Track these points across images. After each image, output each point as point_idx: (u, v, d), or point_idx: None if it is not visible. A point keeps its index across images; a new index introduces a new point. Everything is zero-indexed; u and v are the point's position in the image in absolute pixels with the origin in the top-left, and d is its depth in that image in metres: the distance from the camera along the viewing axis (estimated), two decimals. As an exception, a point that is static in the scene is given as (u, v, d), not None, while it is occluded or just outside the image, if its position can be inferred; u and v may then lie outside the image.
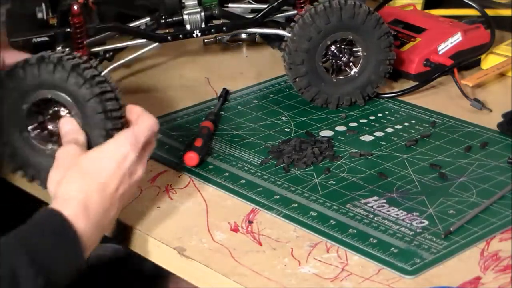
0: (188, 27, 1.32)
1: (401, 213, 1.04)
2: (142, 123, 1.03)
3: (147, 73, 1.48)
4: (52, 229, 0.93)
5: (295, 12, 1.33)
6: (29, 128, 1.07)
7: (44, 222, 0.94)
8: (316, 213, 1.05)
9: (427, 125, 1.25)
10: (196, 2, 1.32)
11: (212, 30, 1.33)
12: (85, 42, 1.26)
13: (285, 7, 1.34)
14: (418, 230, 1.00)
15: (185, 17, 1.31)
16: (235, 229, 1.03)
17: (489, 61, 1.40)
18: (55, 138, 1.07)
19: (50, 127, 1.08)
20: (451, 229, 1.00)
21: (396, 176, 1.12)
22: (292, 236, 1.02)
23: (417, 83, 1.36)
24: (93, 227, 0.96)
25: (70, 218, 0.94)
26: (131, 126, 1.03)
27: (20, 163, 1.08)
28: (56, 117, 1.06)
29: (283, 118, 1.29)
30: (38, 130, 1.08)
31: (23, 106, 1.05)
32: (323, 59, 1.29)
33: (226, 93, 1.36)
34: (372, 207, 1.05)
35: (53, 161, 1.01)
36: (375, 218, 1.03)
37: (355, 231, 1.01)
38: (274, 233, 1.02)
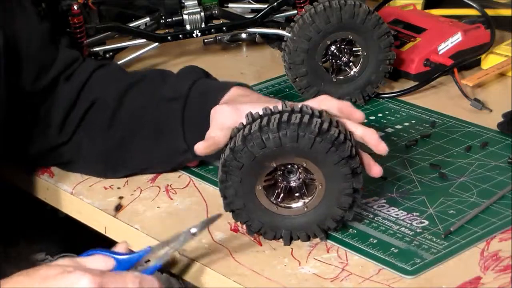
0: (188, 27, 1.32)
1: (401, 213, 1.04)
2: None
3: (147, 73, 1.48)
4: None
5: (295, 12, 1.33)
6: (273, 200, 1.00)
7: None
8: (316, 213, 1.05)
9: (427, 125, 1.25)
10: (196, 2, 1.32)
11: (212, 30, 1.33)
12: (85, 42, 1.26)
13: (285, 7, 1.34)
14: (418, 230, 1.00)
15: (185, 17, 1.31)
16: (235, 229, 1.03)
17: (489, 61, 1.40)
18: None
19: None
20: (451, 229, 1.00)
21: (396, 176, 1.12)
22: (292, 236, 1.02)
23: (417, 83, 1.36)
24: None
25: None
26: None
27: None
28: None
29: (283, 118, 1.29)
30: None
31: (258, 187, 0.98)
32: (323, 59, 1.29)
33: (226, 93, 1.36)
34: (372, 207, 1.05)
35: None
36: (375, 218, 1.03)
37: (355, 231, 1.01)
38: (274, 233, 1.02)
